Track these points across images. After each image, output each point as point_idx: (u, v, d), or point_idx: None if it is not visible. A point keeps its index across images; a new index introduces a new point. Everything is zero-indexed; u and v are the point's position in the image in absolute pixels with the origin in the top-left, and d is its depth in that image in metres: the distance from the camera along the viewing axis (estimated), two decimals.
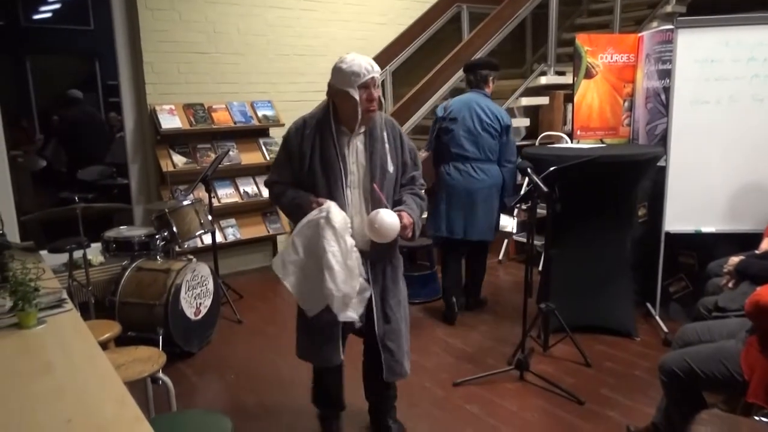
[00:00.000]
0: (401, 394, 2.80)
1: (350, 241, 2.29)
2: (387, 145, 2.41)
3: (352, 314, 2.33)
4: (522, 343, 3.27)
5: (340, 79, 2.29)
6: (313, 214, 2.28)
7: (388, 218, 2.27)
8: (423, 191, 2.57)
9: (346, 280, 2.27)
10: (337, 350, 2.51)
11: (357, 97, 2.26)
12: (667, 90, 3.66)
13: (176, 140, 4.91)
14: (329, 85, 2.36)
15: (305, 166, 2.37)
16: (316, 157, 2.36)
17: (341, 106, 2.34)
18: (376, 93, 2.31)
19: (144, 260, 3.78)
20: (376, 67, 2.32)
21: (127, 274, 3.68)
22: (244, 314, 4.30)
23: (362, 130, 2.39)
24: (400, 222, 2.31)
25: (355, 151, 2.39)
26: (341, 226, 2.26)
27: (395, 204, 2.44)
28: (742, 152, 3.57)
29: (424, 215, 2.56)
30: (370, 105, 2.30)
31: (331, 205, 2.29)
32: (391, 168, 2.41)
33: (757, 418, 1.97)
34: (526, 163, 3.21)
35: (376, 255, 2.43)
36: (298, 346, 2.63)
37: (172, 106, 4.88)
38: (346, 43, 5.79)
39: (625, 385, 3.17)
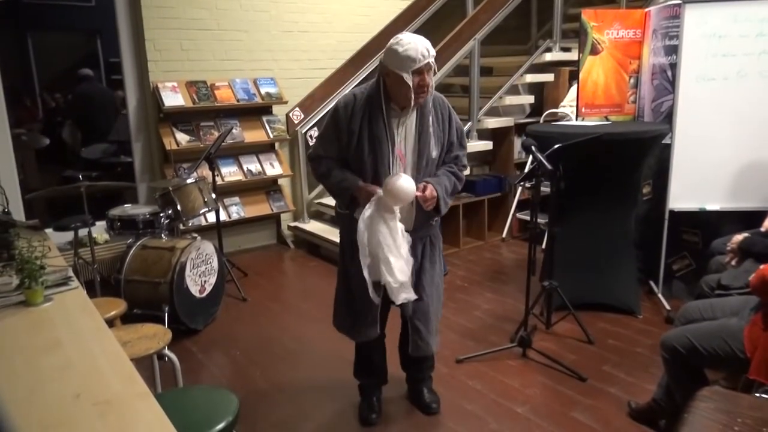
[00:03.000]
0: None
1: (400, 227, 2.33)
2: (435, 126, 2.41)
3: (407, 295, 2.39)
4: (525, 320, 3.29)
5: (395, 61, 2.25)
6: (367, 207, 2.32)
7: (404, 182, 2.28)
8: (464, 172, 2.57)
9: (403, 269, 2.33)
10: (376, 325, 2.58)
11: (410, 83, 2.23)
12: (674, 66, 3.61)
13: (179, 118, 4.89)
14: (381, 63, 2.34)
15: (353, 143, 2.36)
16: (364, 134, 2.35)
17: (392, 87, 2.31)
18: (429, 79, 2.28)
19: (149, 238, 3.80)
20: (432, 52, 2.27)
21: (132, 252, 3.70)
22: (249, 292, 4.33)
23: (414, 107, 2.37)
24: (422, 193, 2.34)
25: (404, 130, 2.39)
26: (392, 217, 2.31)
27: None
28: (748, 129, 3.54)
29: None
30: (422, 90, 2.28)
31: (381, 195, 2.31)
32: (434, 151, 2.42)
33: (757, 394, 1.99)
34: (530, 141, 3.18)
35: (416, 234, 2.46)
36: (336, 318, 2.71)
37: (175, 84, 4.85)
38: (349, 19, 5.73)
39: (626, 362, 3.19)
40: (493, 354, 3.28)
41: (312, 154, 2.53)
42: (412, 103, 2.30)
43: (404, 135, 2.40)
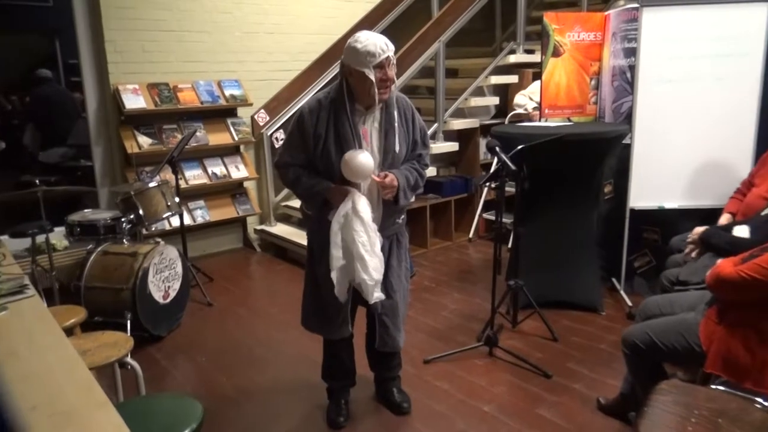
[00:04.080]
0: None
1: (374, 226, 2.36)
2: (399, 124, 2.43)
3: (379, 294, 2.41)
4: (491, 319, 3.32)
5: (355, 59, 2.29)
6: (342, 206, 2.33)
7: (363, 158, 2.31)
8: (426, 170, 2.60)
9: (377, 267, 2.36)
10: (347, 323, 2.60)
11: (373, 78, 2.27)
12: (633, 68, 3.70)
13: (141, 121, 4.80)
14: (342, 64, 2.36)
15: (320, 147, 2.37)
16: (330, 137, 2.37)
17: (356, 85, 2.34)
18: (391, 72, 2.32)
19: (110, 244, 3.72)
20: (391, 46, 2.32)
21: (92, 258, 3.61)
22: (215, 297, 4.27)
23: (379, 106, 2.40)
24: (383, 180, 2.36)
25: (369, 129, 2.41)
26: (367, 216, 2.33)
27: None
28: (703, 130, 3.64)
29: (419, 191, 2.64)
30: (385, 85, 2.32)
31: (355, 194, 2.33)
32: (399, 150, 2.45)
33: (713, 387, 2.05)
34: (495, 142, 3.22)
35: (383, 232, 2.48)
36: (304, 318, 2.71)
37: (136, 86, 4.76)
38: (314, 20, 5.71)
39: (590, 359, 3.25)
40: (460, 354, 3.31)
41: (279, 162, 2.53)
42: (377, 99, 2.32)
43: (370, 135, 2.42)
